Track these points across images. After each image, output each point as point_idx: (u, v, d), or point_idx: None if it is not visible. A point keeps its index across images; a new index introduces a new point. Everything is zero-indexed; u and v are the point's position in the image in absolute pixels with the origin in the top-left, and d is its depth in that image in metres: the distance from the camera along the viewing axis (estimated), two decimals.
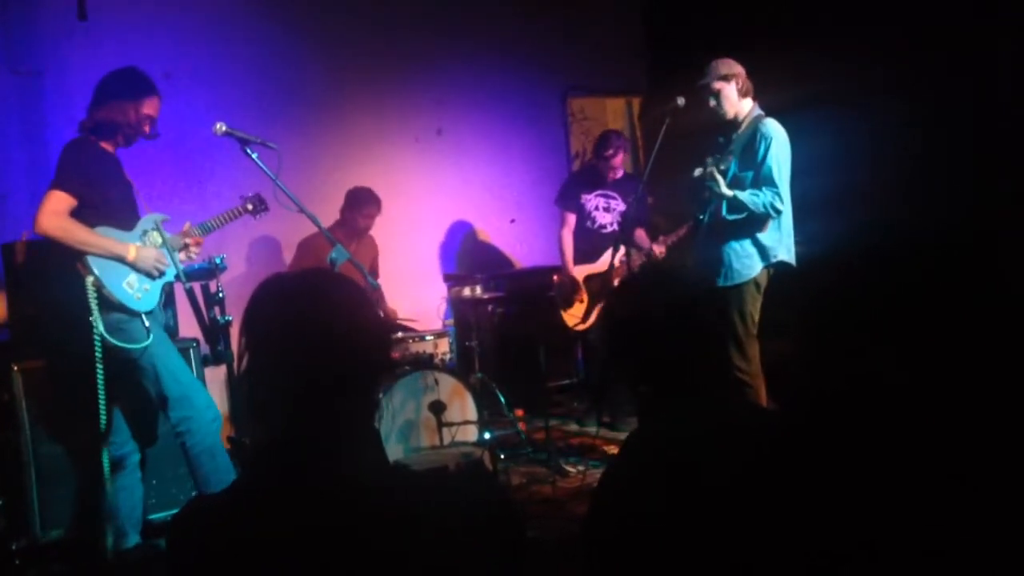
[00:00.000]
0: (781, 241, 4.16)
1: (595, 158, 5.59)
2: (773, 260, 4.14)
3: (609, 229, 5.50)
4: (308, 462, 1.32)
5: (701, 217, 4.24)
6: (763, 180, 4.08)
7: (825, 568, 1.46)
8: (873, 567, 1.32)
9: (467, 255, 6.62)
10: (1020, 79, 4.46)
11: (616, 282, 5.24)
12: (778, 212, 4.06)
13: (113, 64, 3.74)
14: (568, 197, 5.66)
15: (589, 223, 5.57)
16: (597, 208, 5.55)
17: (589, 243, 5.54)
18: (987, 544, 1.22)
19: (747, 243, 4.15)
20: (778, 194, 4.05)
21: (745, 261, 4.15)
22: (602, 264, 5.35)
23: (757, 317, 4.15)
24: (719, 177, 4.08)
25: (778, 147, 4.07)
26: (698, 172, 4.12)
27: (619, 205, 5.51)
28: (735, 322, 4.12)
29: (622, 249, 5.28)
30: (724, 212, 4.19)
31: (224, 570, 1.25)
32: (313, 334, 1.35)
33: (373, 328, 1.41)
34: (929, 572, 1.26)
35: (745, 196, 4.06)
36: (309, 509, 1.27)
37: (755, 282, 4.14)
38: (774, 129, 4.11)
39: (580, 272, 5.50)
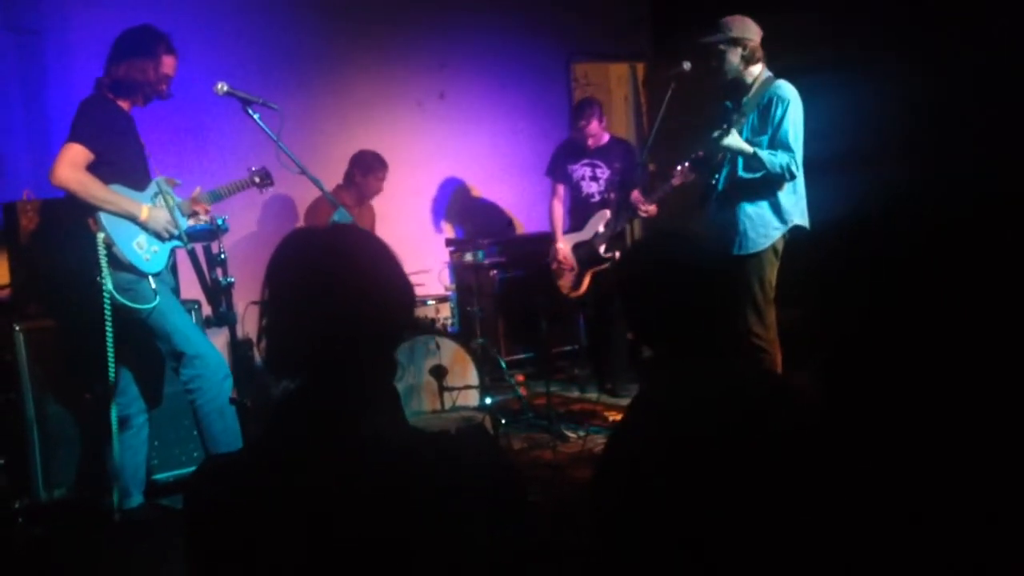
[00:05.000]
0: (797, 204, 4.09)
1: (572, 129, 5.64)
2: (789, 224, 4.07)
3: (597, 198, 5.54)
4: (328, 418, 1.31)
5: (714, 181, 4.18)
6: (779, 144, 3.99)
7: (825, 534, 1.47)
8: (872, 535, 1.32)
9: (469, 220, 6.61)
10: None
11: (601, 248, 5.34)
12: (793, 176, 3.99)
13: (114, 24, 3.70)
14: (556, 168, 5.72)
15: (577, 192, 5.63)
16: (584, 178, 5.59)
17: (579, 212, 5.62)
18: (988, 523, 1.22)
19: (764, 208, 4.07)
20: (794, 158, 3.98)
21: (761, 230, 4.07)
22: (588, 232, 5.45)
23: (775, 283, 4.10)
24: (735, 132, 4.00)
25: (794, 110, 3.99)
26: (717, 133, 4.03)
27: (604, 172, 5.54)
28: (755, 289, 4.05)
29: (607, 215, 5.36)
30: (740, 171, 4.09)
31: (241, 527, 1.25)
32: (339, 287, 1.33)
33: (398, 285, 1.39)
34: (930, 539, 1.27)
35: (764, 154, 3.98)
36: (328, 466, 1.26)
37: (773, 248, 4.08)
38: (790, 92, 4.02)
39: (569, 241, 5.55)
